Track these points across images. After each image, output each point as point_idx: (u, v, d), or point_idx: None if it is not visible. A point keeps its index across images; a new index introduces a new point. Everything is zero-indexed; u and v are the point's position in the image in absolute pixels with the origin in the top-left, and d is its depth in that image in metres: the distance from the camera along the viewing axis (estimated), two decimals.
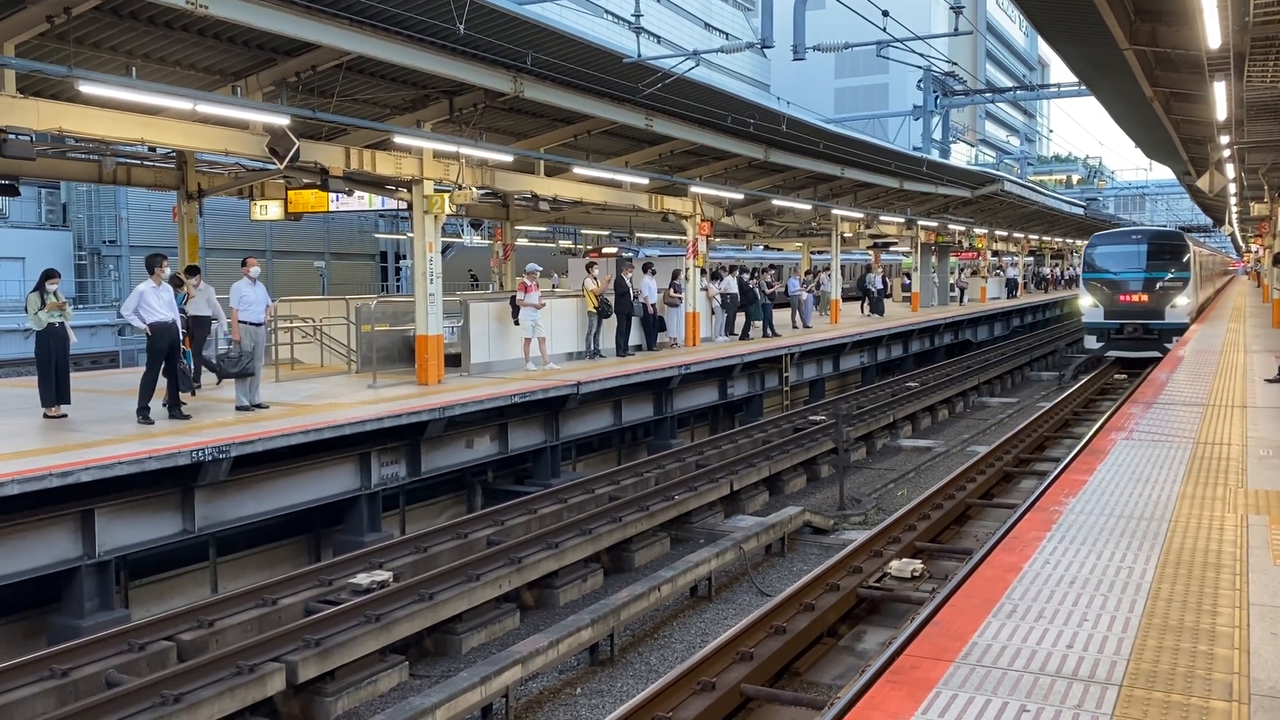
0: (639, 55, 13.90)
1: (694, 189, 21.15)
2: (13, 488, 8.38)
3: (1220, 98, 12.31)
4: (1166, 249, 24.65)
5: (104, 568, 9.29)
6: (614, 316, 18.99)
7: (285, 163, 12.33)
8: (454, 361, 16.05)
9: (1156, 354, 22.49)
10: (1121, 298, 24.45)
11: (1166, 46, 11.65)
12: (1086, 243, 26.80)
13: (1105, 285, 24.78)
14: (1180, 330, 23.27)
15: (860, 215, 29.67)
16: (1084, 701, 3.90)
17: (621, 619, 9.04)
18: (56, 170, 16.35)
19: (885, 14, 16.27)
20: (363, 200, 18.50)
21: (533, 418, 14.69)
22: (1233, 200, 30.74)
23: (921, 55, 24.35)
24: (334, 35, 11.31)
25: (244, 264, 12.66)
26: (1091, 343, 25.55)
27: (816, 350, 23.26)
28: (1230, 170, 19.98)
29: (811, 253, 38.05)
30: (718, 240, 35.47)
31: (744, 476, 14.32)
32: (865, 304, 33.10)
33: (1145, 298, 24.15)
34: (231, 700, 7.17)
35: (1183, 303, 23.94)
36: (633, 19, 14.71)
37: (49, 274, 11.56)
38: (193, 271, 14.18)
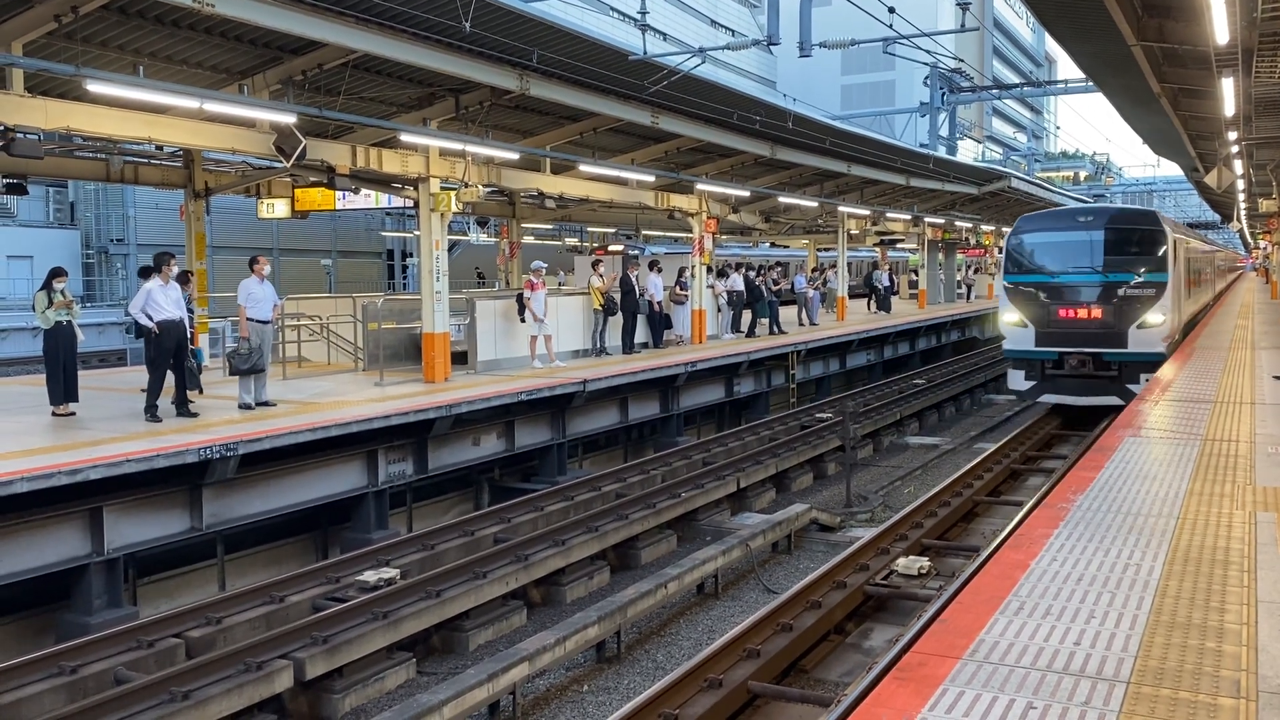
0: (645, 52, 13.89)
1: (700, 186, 21.13)
2: (21, 485, 8.42)
3: (1228, 93, 12.26)
4: (1132, 237, 16.87)
5: (112, 565, 9.32)
6: (620, 314, 19.00)
7: (292, 161, 12.36)
8: (460, 359, 16.06)
9: (1115, 401, 15.62)
10: (1061, 312, 16.56)
11: (1174, 42, 11.60)
12: (1011, 228, 18.61)
13: (1037, 292, 16.91)
14: (1152, 364, 15.75)
15: (867, 212, 29.63)
16: (1092, 698, 3.89)
17: (628, 616, 9.05)
18: (64, 169, 16.39)
19: (891, 10, 16.21)
20: (369, 198, 18.54)
21: (539, 415, 14.70)
22: (1241, 196, 30.61)
23: (928, 52, 24.15)
24: (340, 33, 11.33)
25: (254, 263, 12.64)
26: (1017, 381, 17.45)
27: (823, 347, 23.24)
28: (1238, 166, 19.92)
29: (818, 250, 38.02)
30: (724, 237, 35.50)
31: (750, 474, 14.31)
32: (872, 301, 33.07)
33: (1098, 312, 16.31)
34: (239, 697, 7.20)
35: (1156, 320, 16.09)
36: (639, 16, 14.67)
37: (56, 272, 11.60)
38: (148, 273, 14.11)
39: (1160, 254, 16.45)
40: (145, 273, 13.93)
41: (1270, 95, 13.44)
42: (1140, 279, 16.34)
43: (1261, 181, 25.59)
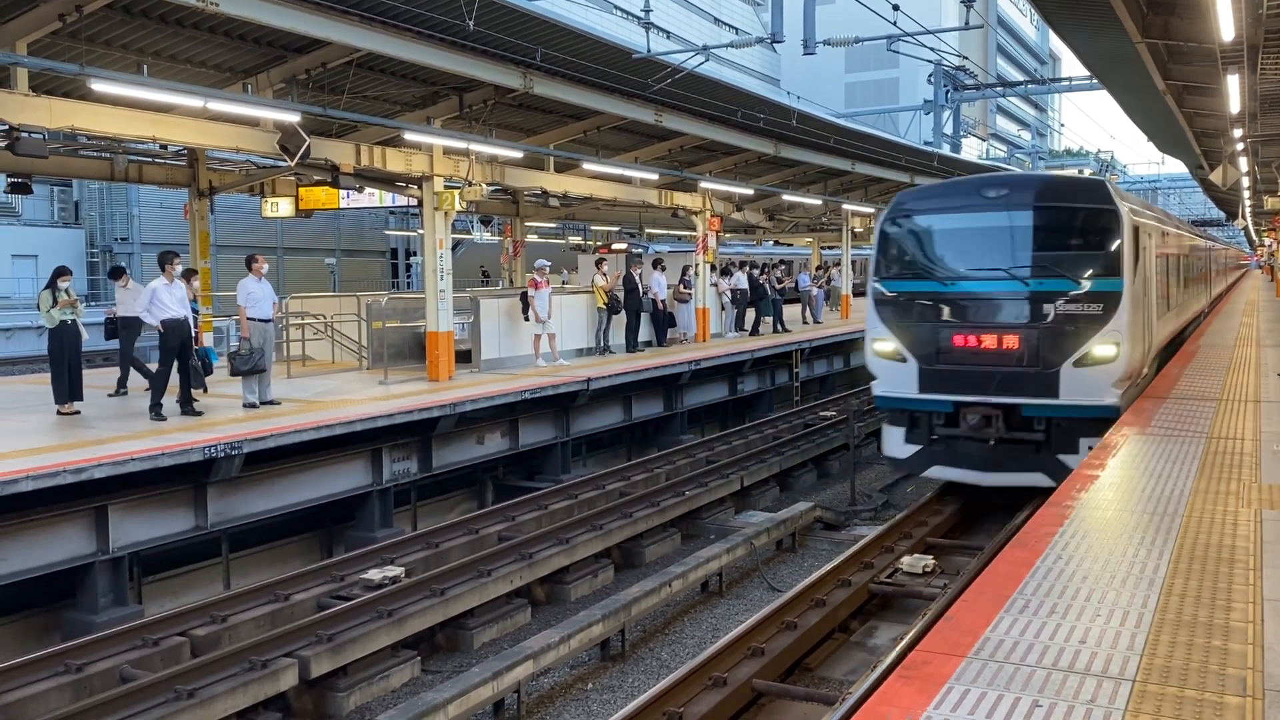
0: (648, 51, 13.88)
1: (704, 184, 21.12)
2: (27, 484, 8.43)
3: (1233, 91, 12.23)
4: (1070, 222, 11.32)
5: (117, 564, 9.33)
6: (623, 312, 18.99)
7: (296, 160, 12.37)
8: (464, 357, 16.08)
9: (1041, 480, 10.68)
10: (958, 340, 11.14)
11: (1179, 39, 11.59)
12: (886, 208, 12.80)
13: (922, 308, 11.45)
14: (1098, 422, 10.26)
15: (871, 210, 29.58)
16: (1097, 697, 3.88)
17: (632, 614, 9.05)
18: (68, 168, 16.42)
19: (896, 8, 16.18)
20: (373, 197, 18.55)
21: (543, 414, 14.70)
22: (1246, 194, 30.53)
23: (932, 49, 24.02)
24: (344, 32, 11.34)
25: (251, 262, 12.59)
26: (894, 443, 11.88)
27: (827, 346, 23.22)
28: (1243, 164, 19.85)
29: (822, 248, 37.97)
30: (728, 236, 35.47)
31: (754, 472, 14.31)
32: None
33: (1013, 340, 10.87)
34: (244, 695, 7.21)
35: (1104, 353, 10.63)
36: (642, 14, 14.67)
37: (61, 271, 11.63)
38: (118, 273, 14.16)
39: (1113, 248, 10.83)
40: (115, 273, 14.00)
41: (1275, 92, 13.41)
42: (1082, 288, 10.72)
43: (1267, 179, 25.53)
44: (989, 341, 10.94)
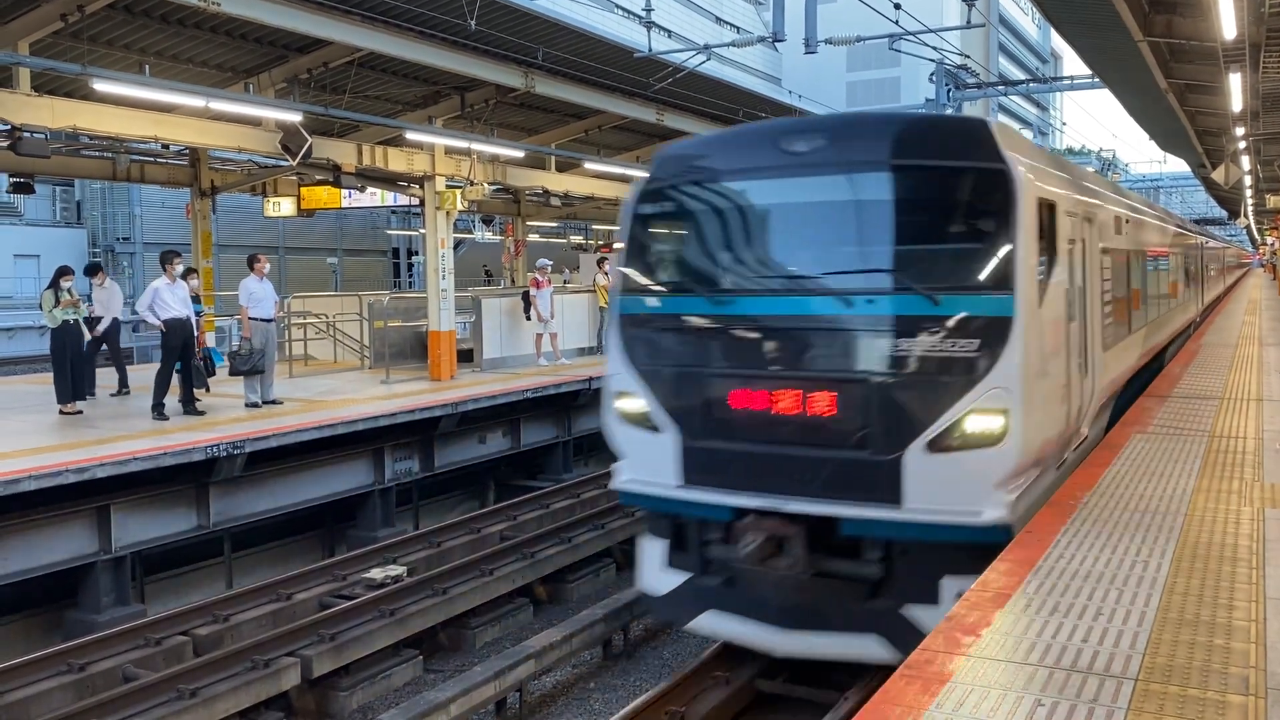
0: (650, 50, 13.89)
1: None
2: (30, 484, 8.44)
3: (1235, 89, 12.22)
4: (926, 192, 6.65)
5: (120, 563, 9.34)
6: None
7: (298, 159, 12.38)
8: (466, 357, 16.08)
9: (870, 649, 6.32)
10: (738, 398, 6.54)
11: (1181, 38, 11.58)
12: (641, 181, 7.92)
13: (685, 343, 7.02)
14: (974, 550, 5.86)
15: None
16: (1099, 696, 3.88)
17: (635, 613, 9.04)
18: (70, 168, 16.45)
19: (897, 7, 16.18)
20: (375, 196, 18.57)
21: (545, 413, 14.70)
22: (1248, 193, 30.53)
23: (933, 48, 23.97)
24: (346, 32, 11.35)
25: (253, 261, 12.58)
26: (650, 568, 7.19)
27: None
28: (1246, 162, 19.85)
29: None
30: None
31: None
32: None
33: (826, 401, 6.25)
34: (247, 695, 7.22)
35: (984, 426, 6.05)
36: (643, 13, 14.68)
37: (63, 271, 11.65)
38: (95, 270, 14.17)
39: (1001, 239, 6.37)
40: (92, 271, 14.03)
41: (1277, 91, 13.40)
42: (944, 311, 6.22)
43: (1269, 177, 25.51)
44: (786, 402, 6.43)
